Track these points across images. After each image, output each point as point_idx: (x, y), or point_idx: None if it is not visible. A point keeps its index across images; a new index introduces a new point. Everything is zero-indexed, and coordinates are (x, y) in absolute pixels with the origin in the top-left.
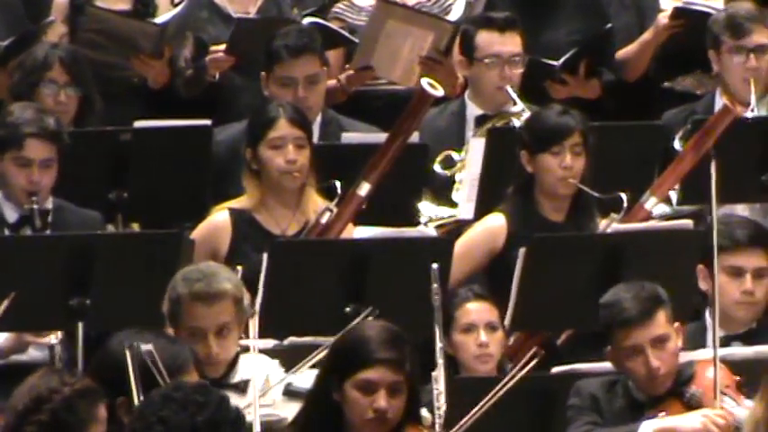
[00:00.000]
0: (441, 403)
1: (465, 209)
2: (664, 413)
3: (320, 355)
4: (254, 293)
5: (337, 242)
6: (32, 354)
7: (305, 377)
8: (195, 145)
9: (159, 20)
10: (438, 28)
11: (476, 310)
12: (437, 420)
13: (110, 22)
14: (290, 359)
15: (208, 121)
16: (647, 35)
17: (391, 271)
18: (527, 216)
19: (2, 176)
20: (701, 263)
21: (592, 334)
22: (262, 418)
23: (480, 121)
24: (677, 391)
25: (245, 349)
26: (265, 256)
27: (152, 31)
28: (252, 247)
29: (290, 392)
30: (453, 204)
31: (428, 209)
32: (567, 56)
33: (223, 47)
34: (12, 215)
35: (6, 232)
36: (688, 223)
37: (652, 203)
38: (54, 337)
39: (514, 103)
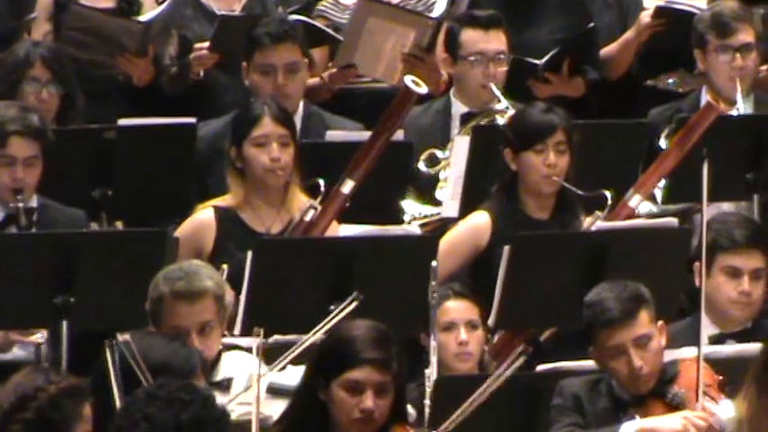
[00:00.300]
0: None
1: (449, 207)
2: (637, 416)
3: (299, 350)
4: (238, 292)
5: (322, 240)
6: (17, 352)
7: (288, 374)
8: (179, 143)
9: (143, 18)
10: (420, 25)
11: (456, 309)
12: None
13: (94, 19)
14: (274, 358)
15: (192, 119)
16: (629, 34)
17: (376, 269)
18: (511, 214)
19: None
20: (697, 261)
21: (576, 332)
22: (245, 416)
23: (466, 118)
24: (660, 391)
25: (228, 347)
26: (250, 254)
27: (136, 29)
28: (236, 245)
29: (273, 390)
30: (437, 203)
31: (412, 207)
32: (549, 55)
33: (207, 44)
34: None
35: None
36: (673, 221)
37: (636, 201)
38: (40, 336)
39: (499, 101)
